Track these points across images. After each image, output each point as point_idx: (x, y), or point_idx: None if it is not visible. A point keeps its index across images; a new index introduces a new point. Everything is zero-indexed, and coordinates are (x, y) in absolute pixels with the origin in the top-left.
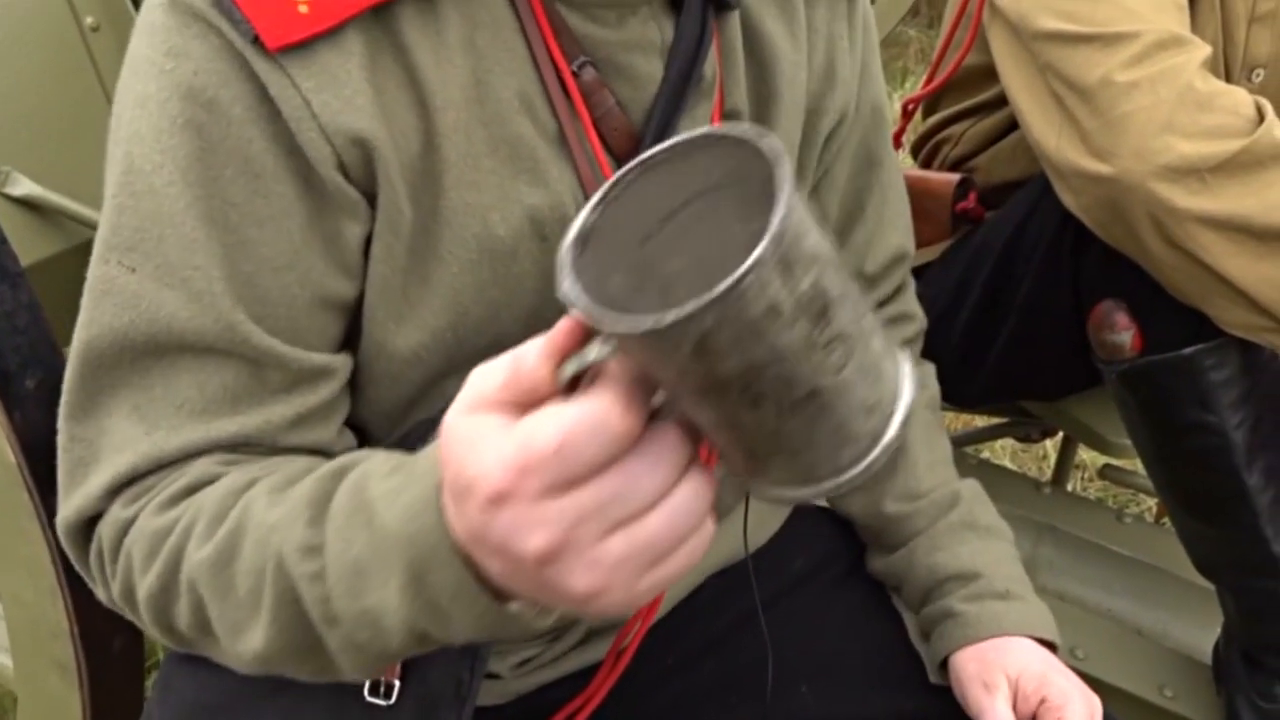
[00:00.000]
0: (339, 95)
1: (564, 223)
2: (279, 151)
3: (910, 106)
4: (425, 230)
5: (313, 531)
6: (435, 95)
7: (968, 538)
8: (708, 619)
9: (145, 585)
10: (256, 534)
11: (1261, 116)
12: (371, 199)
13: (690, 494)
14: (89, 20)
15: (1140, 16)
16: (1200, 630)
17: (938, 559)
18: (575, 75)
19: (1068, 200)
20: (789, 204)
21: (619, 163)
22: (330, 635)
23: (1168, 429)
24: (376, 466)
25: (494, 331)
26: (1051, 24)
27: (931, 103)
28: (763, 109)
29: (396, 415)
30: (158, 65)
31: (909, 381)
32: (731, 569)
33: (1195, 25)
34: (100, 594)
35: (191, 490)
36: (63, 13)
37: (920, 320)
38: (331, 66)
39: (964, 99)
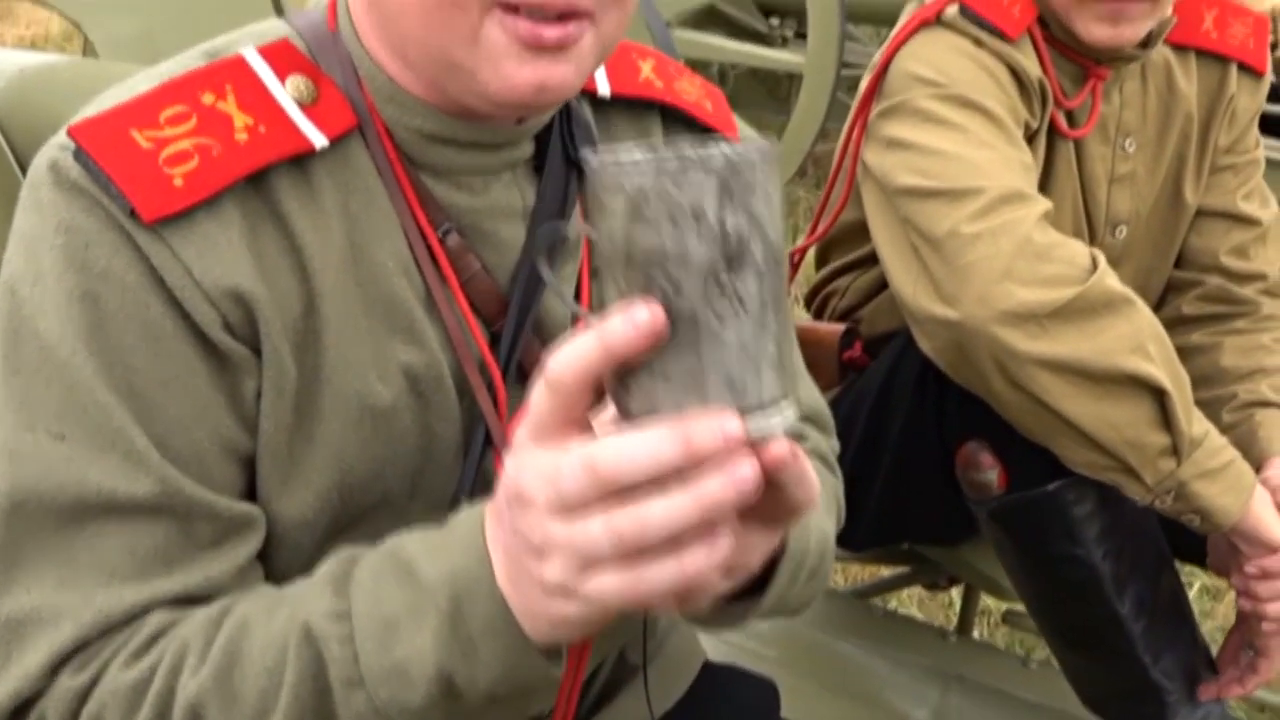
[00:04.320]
0: (220, 260)
1: (439, 381)
2: (175, 315)
3: (795, 258)
4: (308, 388)
5: (338, 600)
6: (314, 258)
7: None
8: None
9: None
10: (267, 628)
11: (1095, 266)
12: (259, 355)
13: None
14: None
15: (986, 173)
16: None
17: None
18: (441, 241)
19: (924, 344)
20: (756, 160)
21: (487, 325)
22: (350, 702)
23: (1040, 564)
24: (405, 538)
25: (379, 489)
26: (909, 180)
27: (822, 256)
28: None
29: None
30: (48, 241)
31: (779, 417)
32: None
33: (1054, 186)
34: None
35: (156, 638)
36: None
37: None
38: (212, 234)
39: (848, 253)
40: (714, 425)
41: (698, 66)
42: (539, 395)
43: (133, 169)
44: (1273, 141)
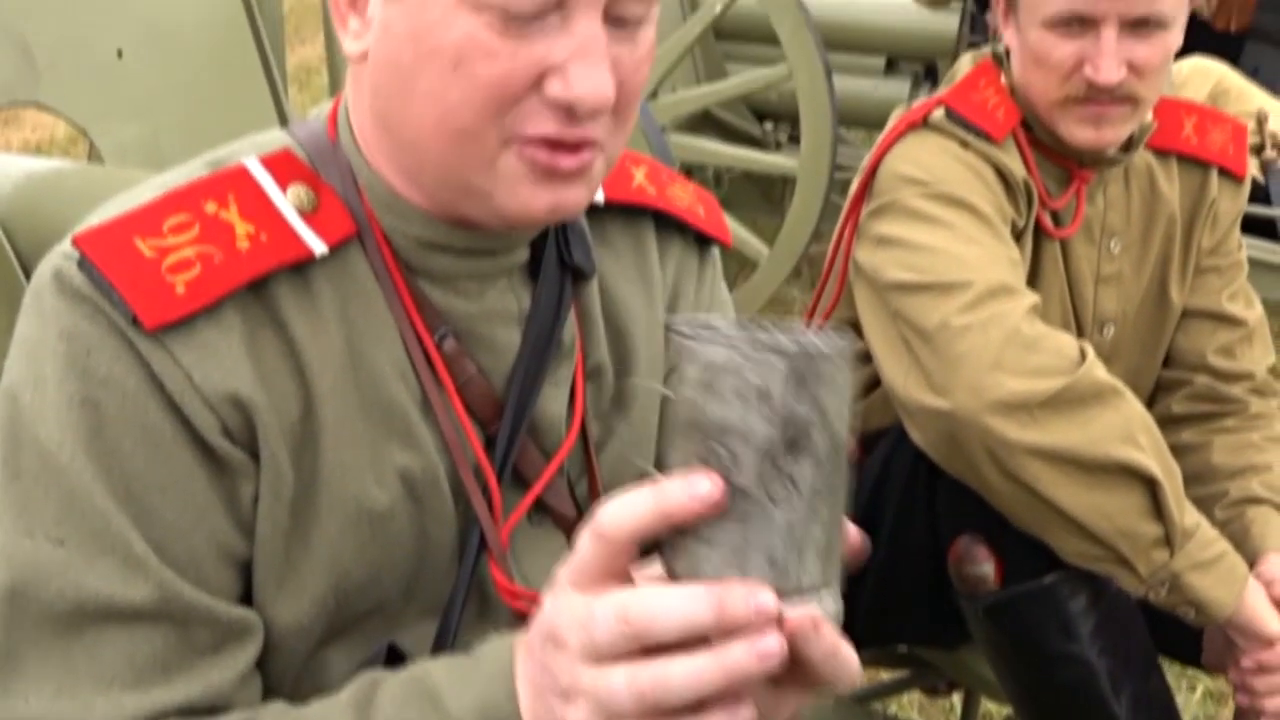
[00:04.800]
0: (220, 366)
1: (435, 485)
2: (175, 420)
3: None
4: (305, 492)
5: None
6: (312, 363)
7: None
8: None
9: None
10: None
11: (1084, 357)
12: (257, 459)
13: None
14: None
15: (973, 267)
16: None
17: None
18: (438, 346)
19: (916, 436)
20: (834, 356)
21: (483, 428)
22: None
23: (1036, 663)
24: (431, 663)
25: (375, 596)
26: (899, 275)
27: None
28: (623, 368)
29: (282, 691)
30: (50, 346)
31: (815, 604)
32: None
33: (1042, 284)
34: None
35: None
36: None
37: None
38: (212, 340)
39: None
40: (748, 596)
41: (693, 170)
42: (585, 543)
43: (136, 277)
44: (1256, 241)
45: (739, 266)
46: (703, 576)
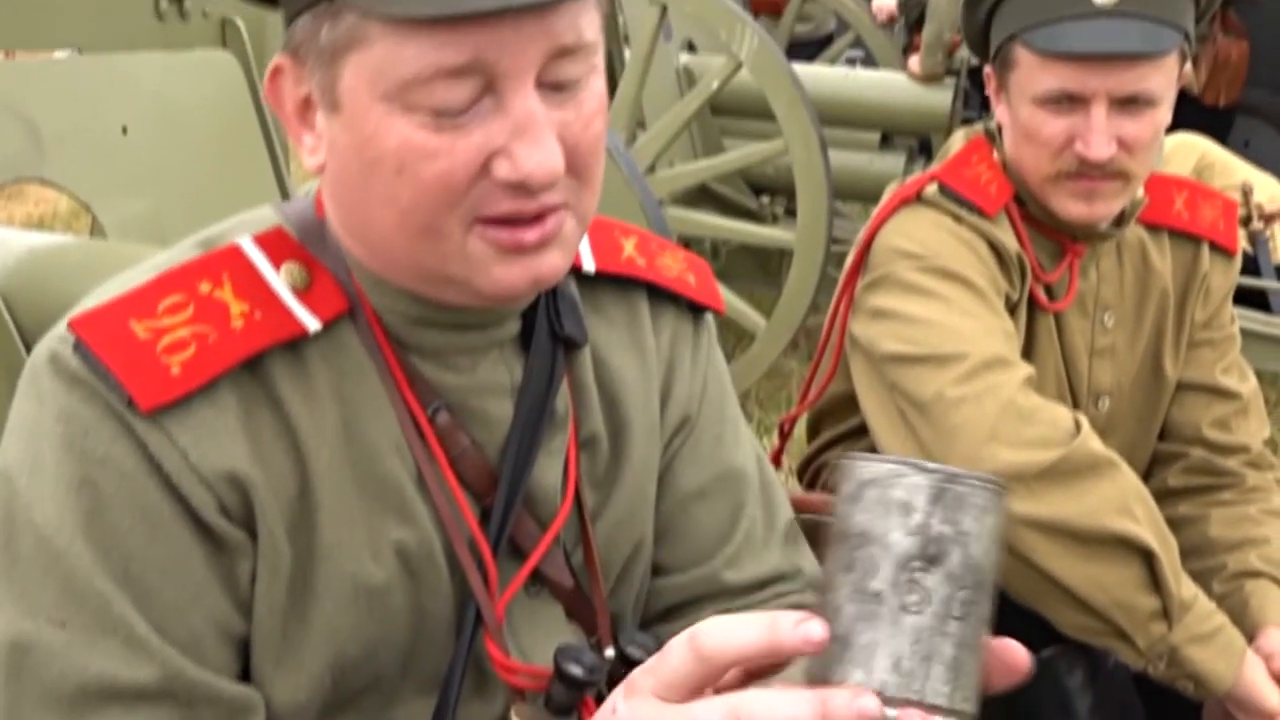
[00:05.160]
0: (216, 445)
1: (431, 559)
2: (172, 500)
3: (786, 427)
4: (303, 569)
5: None
6: (308, 440)
7: None
8: None
9: None
10: None
11: (1079, 428)
12: (254, 537)
13: None
14: None
15: (969, 339)
16: None
17: None
18: (431, 420)
19: None
20: (976, 484)
21: (477, 500)
22: None
23: None
24: None
25: (372, 672)
26: (895, 347)
27: (813, 428)
28: (617, 436)
29: None
30: (47, 428)
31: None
32: None
33: (1036, 356)
34: None
35: None
36: None
37: None
38: (208, 420)
39: (838, 425)
40: (852, 699)
41: (691, 242)
42: (682, 658)
43: (131, 360)
44: (1245, 312)
45: (736, 338)
46: (830, 670)
